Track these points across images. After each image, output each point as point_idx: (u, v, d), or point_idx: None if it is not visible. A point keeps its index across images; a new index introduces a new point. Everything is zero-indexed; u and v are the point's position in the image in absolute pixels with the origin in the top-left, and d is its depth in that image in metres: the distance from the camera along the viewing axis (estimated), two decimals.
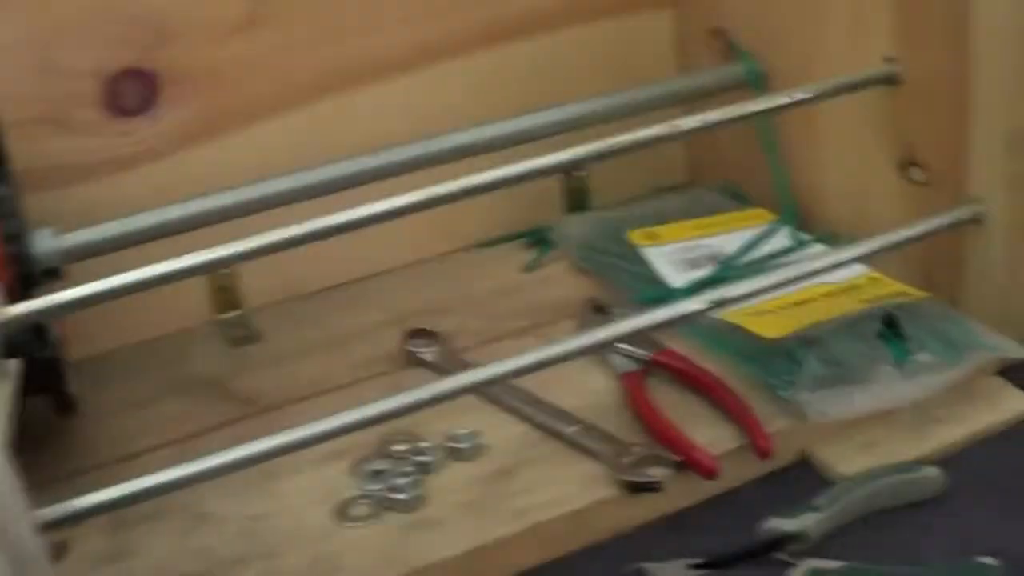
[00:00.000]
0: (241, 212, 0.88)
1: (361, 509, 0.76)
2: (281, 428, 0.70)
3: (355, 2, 0.96)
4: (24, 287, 0.78)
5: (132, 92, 0.91)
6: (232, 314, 0.99)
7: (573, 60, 1.06)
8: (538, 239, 1.06)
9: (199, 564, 0.74)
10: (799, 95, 0.88)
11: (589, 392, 0.85)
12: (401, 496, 0.76)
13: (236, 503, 0.78)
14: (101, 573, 0.74)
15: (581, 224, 1.04)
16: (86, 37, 0.89)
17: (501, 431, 0.82)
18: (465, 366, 0.87)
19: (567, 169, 1.01)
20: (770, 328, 0.84)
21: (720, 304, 0.80)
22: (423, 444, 0.80)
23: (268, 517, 0.77)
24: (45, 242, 0.81)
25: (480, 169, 0.78)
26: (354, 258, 1.00)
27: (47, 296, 0.69)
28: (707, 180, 1.11)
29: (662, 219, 1.03)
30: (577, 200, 1.07)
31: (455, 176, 0.77)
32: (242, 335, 0.97)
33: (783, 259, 0.95)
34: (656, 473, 0.75)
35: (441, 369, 0.89)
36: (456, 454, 0.80)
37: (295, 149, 0.95)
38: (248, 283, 0.98)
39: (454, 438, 0.80)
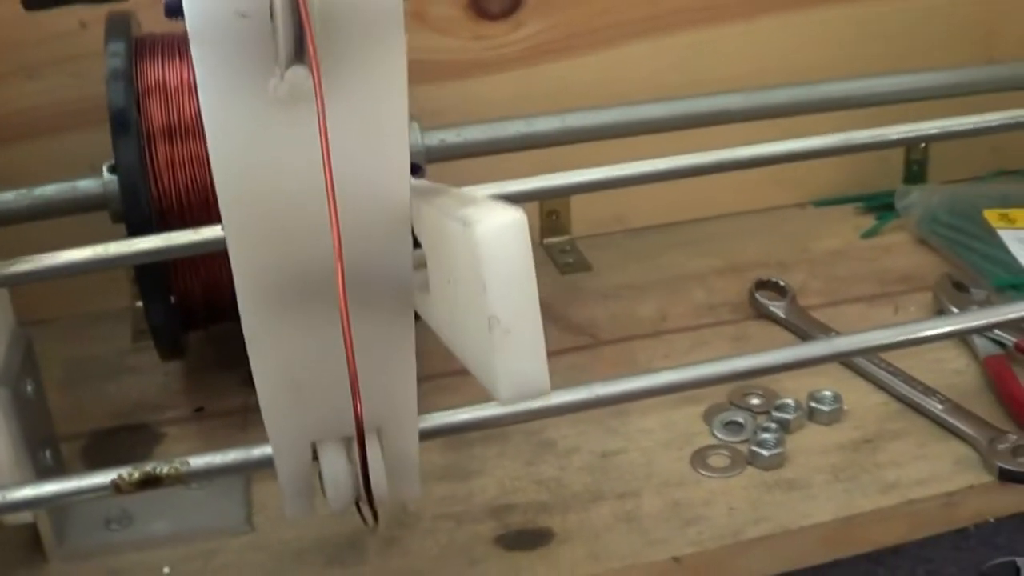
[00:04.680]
0: (592, 135, 0.84)
1: (720, 459, 0.72)
2: (625, 365, 0.65)
3: None
4: None
5: None
6: (560, 239, 0.95)
7: (937, 27, 0.99)
8: (877, 205, 1.00)
9: (547, 494, 0.70)
10: None
11: (948, 371, 0.80)
12: (764, 452, 0.72)
13: (582, 436, 0.75)
14: (441, 489, 0.71)
15: (927, 195, 0.98)
16: None
17: (859, 397, 0.78)
18: (818, 326, 0.83)
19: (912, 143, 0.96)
20: None
21: None
22: (781, 401, 0.75)
23: (619, 454, 0.73)
24: (413, 136, 0.77)
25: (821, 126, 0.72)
26: (685, 199, 0.95)
27: None
28: None
29: (1008, 202, 0.97)
30: (917, 171, 1.01)
31: (794, 130, 0.71)
32: (571, 262, 0.93)
33: None
34: None
35: (791, 326, 0.84)
36: (815, 415, 0.76)
37: (648, 78, 0.92)
38: (576, 210, 0.94)
39: (816, 399, 0.76)
